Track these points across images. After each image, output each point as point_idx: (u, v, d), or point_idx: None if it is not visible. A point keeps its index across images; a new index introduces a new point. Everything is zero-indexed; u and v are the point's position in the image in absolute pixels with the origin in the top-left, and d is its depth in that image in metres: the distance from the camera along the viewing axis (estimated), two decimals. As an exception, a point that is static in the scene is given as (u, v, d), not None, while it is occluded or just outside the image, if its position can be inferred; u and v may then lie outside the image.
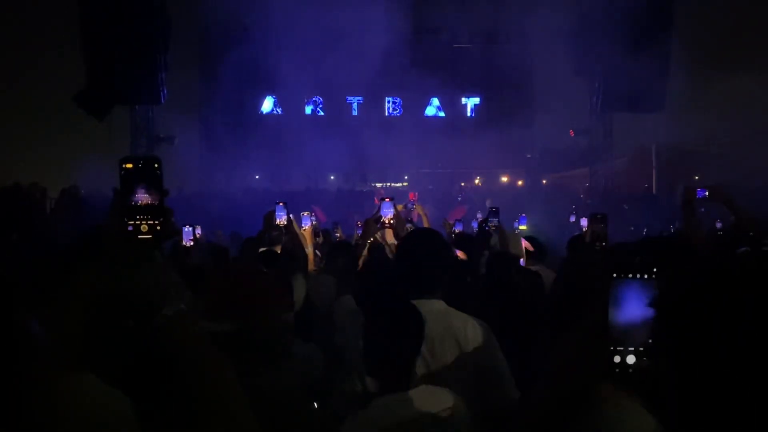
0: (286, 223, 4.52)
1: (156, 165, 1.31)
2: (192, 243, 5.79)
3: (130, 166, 1.30)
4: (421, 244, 2.83)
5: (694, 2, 15.98)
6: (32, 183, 8.88)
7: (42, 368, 1.23)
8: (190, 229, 5.73)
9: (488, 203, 17.32)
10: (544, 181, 23.55)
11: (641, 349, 1.18)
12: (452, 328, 2.59)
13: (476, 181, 25.59)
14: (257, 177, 23.95)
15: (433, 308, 2.59)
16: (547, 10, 16.53)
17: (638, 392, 1.27)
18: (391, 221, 4.99)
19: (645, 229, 12.20)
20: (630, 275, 1.19)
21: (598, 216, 3.82)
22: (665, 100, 16.61)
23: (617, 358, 1.19)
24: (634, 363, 1.18)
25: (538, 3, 16.08)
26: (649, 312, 1.13)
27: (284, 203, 4.56)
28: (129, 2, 15.10)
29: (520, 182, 24.24)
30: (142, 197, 1.30)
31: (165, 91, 16.10)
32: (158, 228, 1.30)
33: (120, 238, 1.30)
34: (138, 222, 1.29)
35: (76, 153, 16.12)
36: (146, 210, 1.30)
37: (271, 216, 4.62)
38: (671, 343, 0.98)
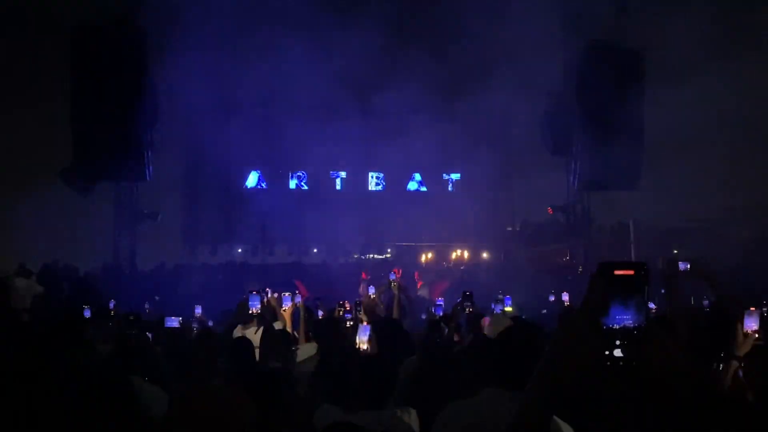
0: (260, 311, 4.43)
1: None
2: None
3: None
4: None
5: (667, 83, 16.59)
6: None
7: None
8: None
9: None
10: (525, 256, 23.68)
11: (626, 342, 1.25)
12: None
13: (454, 255, 25.73)
14: (240, 250, 23.86)
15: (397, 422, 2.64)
16: (524, 91, 17.10)
17: (624, 383, 1.33)
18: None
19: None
20: (615, 272, 1.27)
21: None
22: (640, 178, 17.01)
23: (606, 352, 1.25)
24: (622, 356, 1.25)
25: (516, 85, 16.63)
26: (634, 307, 1.24)
27: (258, 291, 4.50)
28: (118, 80, 15.31)
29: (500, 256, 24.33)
30: None
31: (151, 169, 16.16)
32: None
33: None
34: None
35: (57, 228, 15.99)
36: None
37: (245, 305, 4.49)
38: None
